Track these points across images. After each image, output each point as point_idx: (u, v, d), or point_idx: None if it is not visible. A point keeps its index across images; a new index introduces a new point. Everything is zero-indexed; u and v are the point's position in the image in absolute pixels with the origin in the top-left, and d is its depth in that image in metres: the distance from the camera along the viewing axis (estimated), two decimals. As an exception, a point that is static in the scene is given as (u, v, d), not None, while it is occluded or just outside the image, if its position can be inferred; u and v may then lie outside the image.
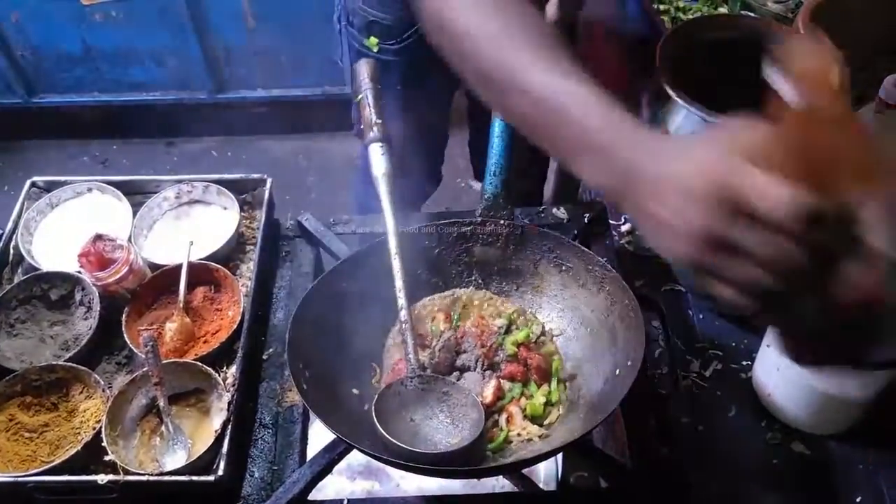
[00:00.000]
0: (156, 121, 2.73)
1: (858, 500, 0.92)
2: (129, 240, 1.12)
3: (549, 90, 0.66)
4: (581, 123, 0.64)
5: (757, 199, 0.51)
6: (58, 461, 0.91)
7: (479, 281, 1.05)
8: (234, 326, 1.04)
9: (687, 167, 0.56)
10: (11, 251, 1.14)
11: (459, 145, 1.87)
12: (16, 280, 1.11)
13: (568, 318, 1.01)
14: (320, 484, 0.92)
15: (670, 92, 1.12)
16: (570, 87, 0.65)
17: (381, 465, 1.01)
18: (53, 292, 1.09)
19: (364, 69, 1.05)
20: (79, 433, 0.96)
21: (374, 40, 1.33)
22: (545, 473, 1.03)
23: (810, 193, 0.50)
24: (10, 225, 1.16)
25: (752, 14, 1.48)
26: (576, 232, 1.12)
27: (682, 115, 1.16)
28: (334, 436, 0.87)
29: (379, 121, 0.99)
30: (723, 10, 1.53)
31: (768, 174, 0.52)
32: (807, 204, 0.50)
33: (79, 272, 1.07)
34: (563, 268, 1.01)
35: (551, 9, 1.07)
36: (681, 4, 1.55)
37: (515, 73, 0.68)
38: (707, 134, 0.61)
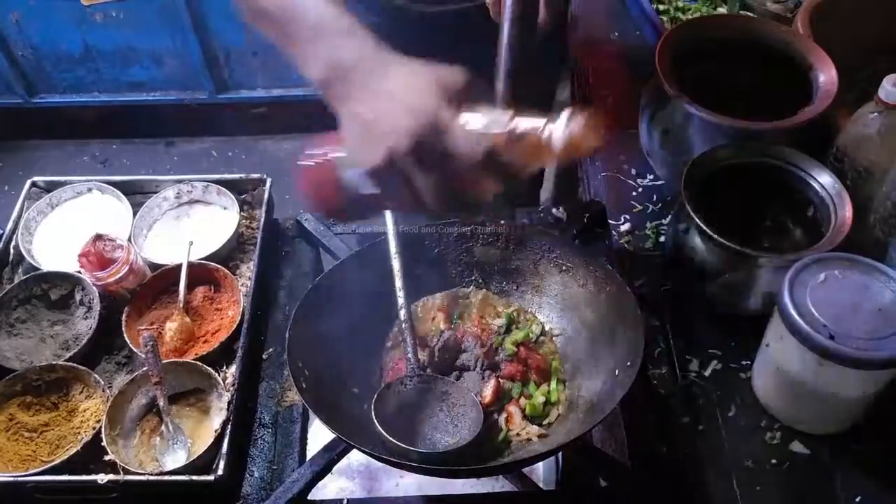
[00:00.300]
0: (156, 121, 2.73)
1: (858, 499, 0.92)
2: (129, 240, 1.12)
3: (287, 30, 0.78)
4: (316, 22, 0.76)
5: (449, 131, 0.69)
6: (58, 461, 0.91)
7: (480, 281, 1.05)
8: (234, 326, 1.04)
9: (403, 96, 0.70)
10: (12, 251, 1.15)
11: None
12: (16, 280, 1.11)
13: (568, 318, 1.01)
14: (320, 483, 0.92)
15: (669, 91, 1.12)
16: None
17: (380, 464, 1.01)
18: (53, 292, 1.09)
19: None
20: (79, 433, 0.96)
21: None
22: (545, 473, 1.04)
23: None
24: (10, 225, 1.16)
25: (751, 14, 1.48)
26: (575, 231, 1.13)
27: (681, 115, 1.17)
28: (334, 435, 0.87)
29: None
30: (722, 10, 1.53)
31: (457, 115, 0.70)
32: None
33: (79, 272, 1.07)
34: (564, 268, 1.02)
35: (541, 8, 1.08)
36: (680, 4, 1.55)
37: None
38: (421, 70, 0.73)
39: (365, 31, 0.77)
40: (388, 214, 0.98)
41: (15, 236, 1.15)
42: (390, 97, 0.71)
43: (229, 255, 1.15)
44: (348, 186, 0.76)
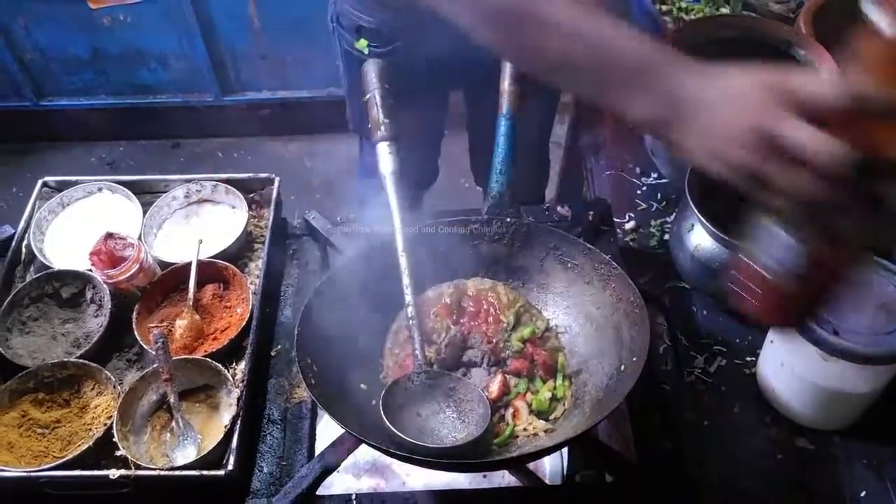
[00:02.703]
0: (162, 123, 2.75)
1: (863, 494, 0.93)
2: (140, 238, 1.13)
3: (586, 28, 0.69)
4: (623, 57, 0.68)
5: (800, 146, 0.58)
6: (70, 456, 0.92)
7: (486, 278, 1.06)
8: (243, 323, 1.05)
9: (731, 107, 0.63)
10: (24, 250, 1.16)
11: (463, 145, 1.88)
12: (28, 278, 1.13)
13: (574, 315, 1.02)
14: (327, 481, 0.93)
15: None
16: (605, 25, 0.69)
17: (387, 461, 1.02)
18: (65, 290, 1.10)
19: (372, 69, 1.06)
20: (90, 429, 0.97)
21: (363, 42, 1.35)
22: (551, 468, 1.04)
23: (847, 145, 0.57)
24: (22, 224, 1.18)
25: (753, 14, 1.49)
26: (580, 229, 1.13)
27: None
28: (342, 431, 0.88)
29: (386, 120, 1.01)
30: (725, 10, 1.54)
31: (809, 125, 0.58)
32: (852, 156, 0.56)
33: (90, 270, 1.09)
34: (569, 265, 1.02)
35: None
36: (683, 5, 1.56)
37: (543, 11, 0.69)
38: (752, 72, 0.64)
39: (635, 31, 0.69)
40: (395, 212, 0.99)
41: (27, 235, 1.16)
42: (719, 123, 0.64)
43: (238, 253, 1.16)
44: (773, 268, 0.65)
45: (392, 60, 1.29)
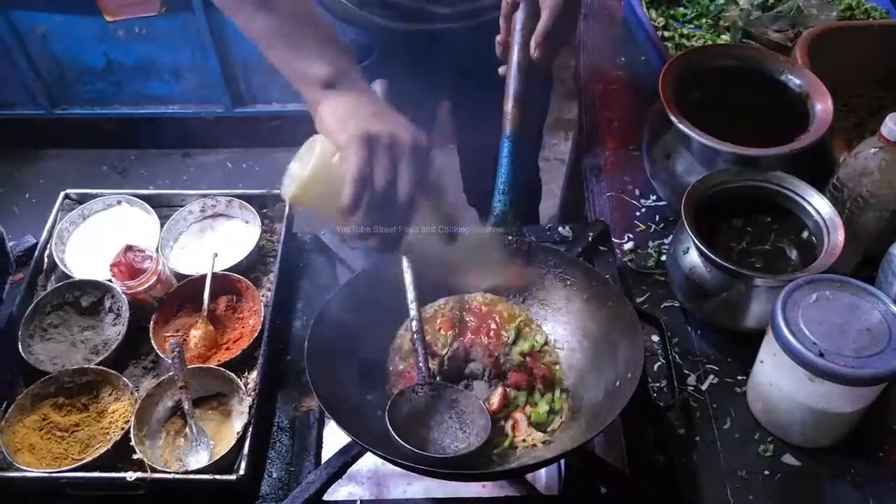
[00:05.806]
0: (173, 133, 2.80)
1: (845, 510, 0.97)
2: (157, 250, 1.17)
3: (294, 21, 0.89)
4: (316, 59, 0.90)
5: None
6: (89, 459, 0.96)
7: (489, 293, 1.10)
8: (255, 334, 1.09)
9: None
10: (46, 259, 1.20)
11: (454, 164, 1.91)
12: (49, 287, 1.17)
13: (572, 331, 1.06)
14: (332, 487, 0.97)
15: (670, 116, 1.17)
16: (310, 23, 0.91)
17: (390, 470, 1.06)
18: (84, 299, 1.15)
19: (378, 89, 1.10)
20: (108, 433, 1.02)
21: None
22: (547, 479, 1.07)
23: None
24: (44, 234, 1.22)
25: (752, 42, 1.53)
26: (580, 249, 1.17)
27: (682, 139, 1.22)
28: (349, 439, 0.92)
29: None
30: (725, 37, 1.58)
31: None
32: None
33: (109, 280, 1.13)
34: (569, 283, 1.06)
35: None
36: (685, 31, 1.61)
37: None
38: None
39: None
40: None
41: (49, 245, 1.21)
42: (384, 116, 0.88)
43: (251, 266, 1.20)
44: None
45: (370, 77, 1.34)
